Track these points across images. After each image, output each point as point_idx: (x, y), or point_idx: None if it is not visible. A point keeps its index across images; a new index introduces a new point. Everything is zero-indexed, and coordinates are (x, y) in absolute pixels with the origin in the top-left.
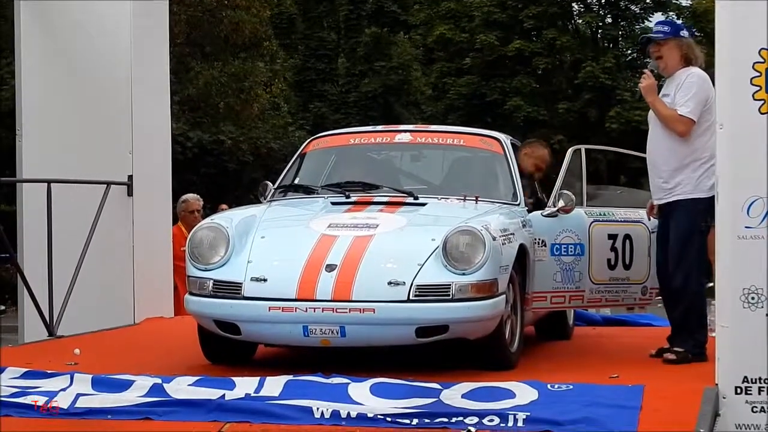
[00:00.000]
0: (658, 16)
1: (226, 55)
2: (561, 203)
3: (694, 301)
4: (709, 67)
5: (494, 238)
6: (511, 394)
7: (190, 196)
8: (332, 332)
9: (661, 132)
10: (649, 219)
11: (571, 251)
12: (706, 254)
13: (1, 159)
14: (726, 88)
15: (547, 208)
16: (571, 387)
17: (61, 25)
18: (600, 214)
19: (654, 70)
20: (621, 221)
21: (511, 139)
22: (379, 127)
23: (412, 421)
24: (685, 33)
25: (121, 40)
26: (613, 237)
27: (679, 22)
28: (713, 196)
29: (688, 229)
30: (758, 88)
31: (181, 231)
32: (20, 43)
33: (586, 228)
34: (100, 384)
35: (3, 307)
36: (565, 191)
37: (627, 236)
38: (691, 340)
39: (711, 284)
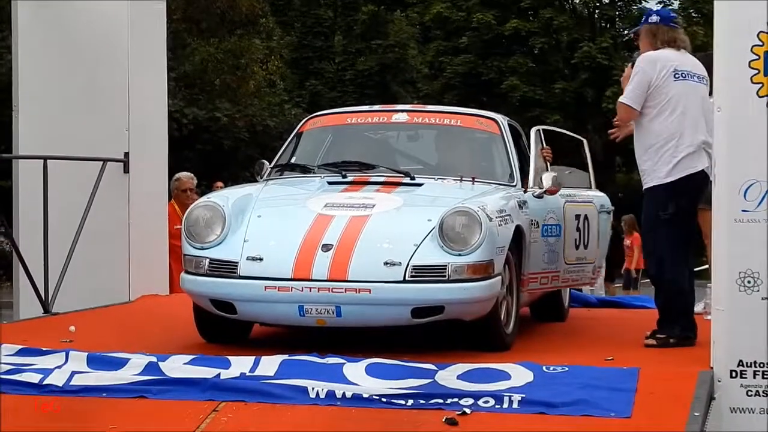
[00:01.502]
0: None
1: (223, 32)
2: (548, 184)
3: (671, 288)
4: (707, 49)
5: (490, 219)
6: (506, 376)
7: (183, 174)
8: (328, 312)
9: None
10: None
11: (553, 232)
12: (680, 239)
13: None
14: (724, 71)
15: (530, 190)
16: (567, 369)
17: (57, 1)
18: (568, 195)
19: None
20: (582, 201)
21: (508, 120)
22: (376, 107)
23: (407, 401)
24: (653, 18)
25: (118, 15)
26: (578, 217)
27: (661, 9)
28: (672, 182)
29: (650, 218)
30: (756, 71)
31: (174, 209)
32: (16, 18)
33: (562, 208)
34: (95, 362)
35: None
36: (550, 172)
37: (585, 216)
38: (676, 326)
39: (705, 266)
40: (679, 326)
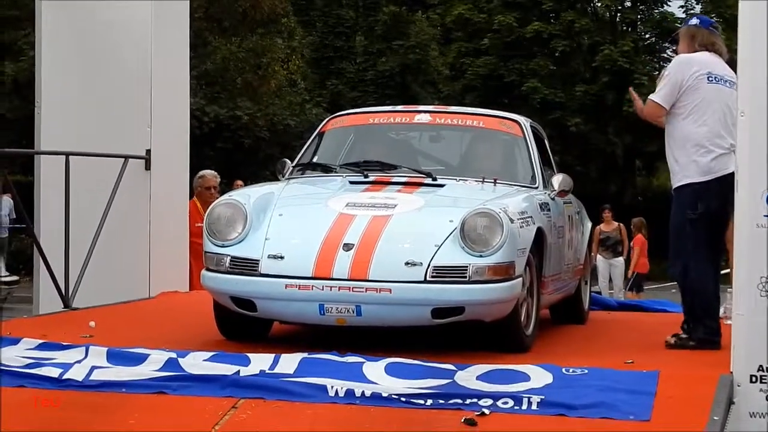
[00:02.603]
0: (678, 1)
1: (244, 31)
2: (562, 186)
3: (694, 289)
4: (729, 53)
5: (512, 221)
6: (525, 377)
7: (207, 172)
8: (348, 311)
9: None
10: None
11: (561, 234)
12: (706, 240)
13: (19, 130)
14: (747, 75)
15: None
16: (586, 371)
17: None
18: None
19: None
20: (567, 202)
21: (530, 122)
22: (399, 107)
23: (426, 401)
24: (694, 21)
25: (141, 13)
26: (570, 218)
27: (677, 12)
28: (703, 182)
29: (677, 219)
30: None
31: (196, 207)
32: (40, 14)
33: (564, 210)
34: (115, 357)
35: (17, 278)
36: (563, 174)
37: (570, 217)
38: (700, 327)
39: (727, 270)
40: (702, 328)
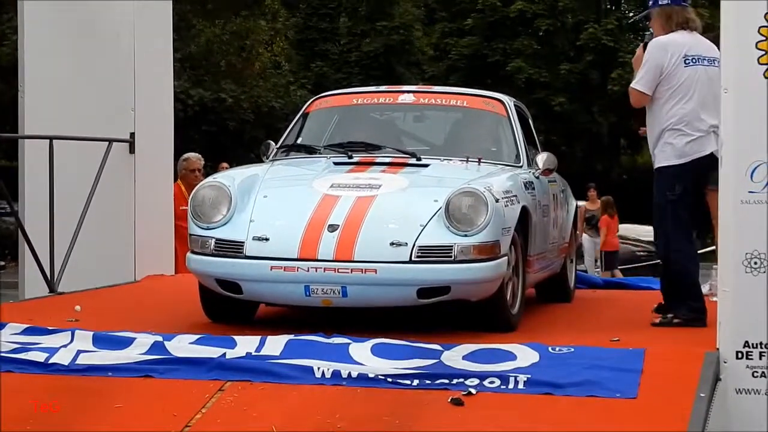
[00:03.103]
0: None
1: (228, 13)
2: (547, 164)
3: (676, 268)
4: (713, 31)
5: (497, 200)
6: (512, 356)
7: (191, 154)
8: (334, 292)
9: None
10: None
11: (546, 213)
12: (686, 221)
13: (3, 114)
14: (731, 52)
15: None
16: (573, 350)
17: None
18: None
19: (650, 41)
20: (551, 180)
21: (514, 102)
22: (382, 88)
23: (413, 381)
24: (663, 0)
25: None
26: (555, 197)
27: None
28: (680, 164)
29: (658, 200)
30: (763, 52)
31: (180, 190)
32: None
33: (549, 189)
34: (101, 341)
35: (2, 263)
36: (548, 153)
37: (555, 196)
38: (683, 306)
39: (713, 248)
40: (686, 307)
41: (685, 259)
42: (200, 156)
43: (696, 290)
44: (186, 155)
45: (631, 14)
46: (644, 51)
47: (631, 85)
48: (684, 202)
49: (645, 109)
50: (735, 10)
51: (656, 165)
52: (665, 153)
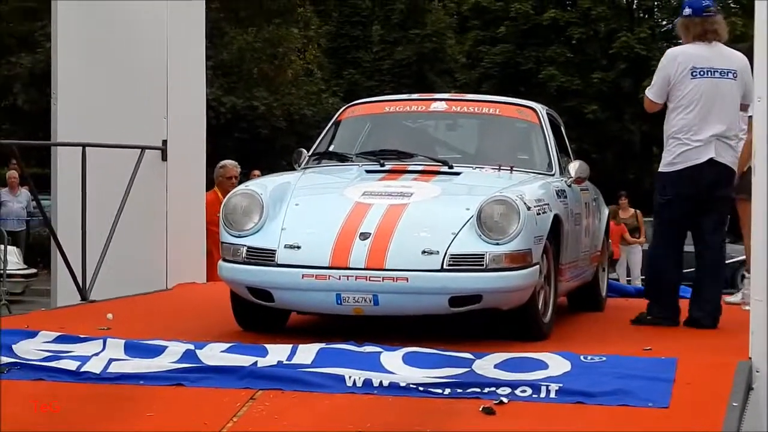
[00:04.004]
0: None
1: (261, 21)
2: (580, 173)
3: (654, 268)
4: (745, 40)
5: (529, 208)
6: (543, 365)
7: (228, 162)
8: (365, 300)
9: None
10: None
11: (578, 221)
12: (669, 225)
13: (36, 122)
14: (764, 61)
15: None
16: (604, 359)
17: None
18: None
19: None
20: (584, 189)
21: (547, 110)
22: (415, 96)
23: (444, 390)
24: (687, 11)
25: (158, 4)
26: (587, 205)
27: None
28: (673, 171)
29: (654, 201)
30: None
31: (217, 197)
32: (56, 6)
33: (581, 197)
34: (132, 349)
35: (35, 271)
36: (580, 161)
37: (587, 204)
38: (656, 305)
39: (743, 257)
40: (658, 306)
41: (663, 260)
42: (237, 163)
43: (670, 291)
44: (223, 162)
45: (664, 22)
46: None
47: (645, 92)
48: (672, 207)
49: None
50: None
51: (659, 170)
52: (664, 159)
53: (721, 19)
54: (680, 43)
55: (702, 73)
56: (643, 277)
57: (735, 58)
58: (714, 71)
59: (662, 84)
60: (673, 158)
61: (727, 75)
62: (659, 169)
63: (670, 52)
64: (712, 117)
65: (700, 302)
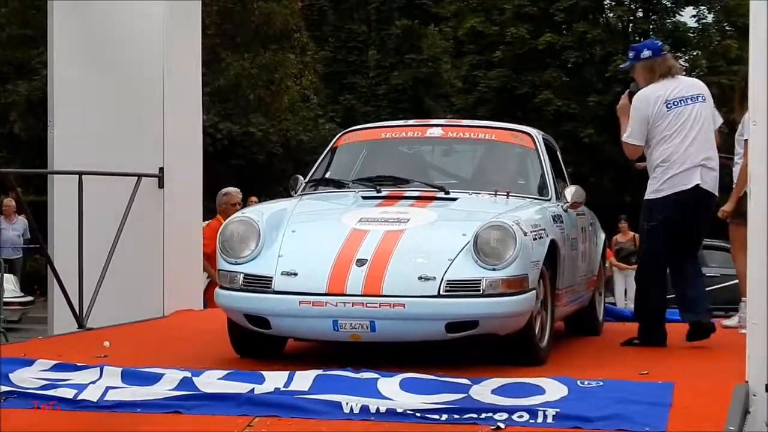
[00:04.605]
0: (690, 11)
1: (257, 47)
2: (576, 198)
3: (639, 289)
4: (741, 63)
5: (525, 234)
6: (540, 390)
7: (231, 189)
8: (362, 327)
9: None
10: None
11: (574, 246)
12: (655, 250)
13: (32, 149)
14: (760, 84)
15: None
16: (601, 383)
17: (93, 16)
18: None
19: (633, 91)
20: (580, 213)
21: (543, 135)
22: (411, 122)
23: (441, 416)
24: (646, 53)
25: (153, 31)
26: (584, 230)
27: (649, 41)
28: (659, 198)
29: (641, 227)
30: None
31: (220, 224)
32: (53, 33)
33: (577, 222)
34: (129, 377)
35: (32, 298)
36: (576, 186)
37: (583, 229)
38: (643, 326)
39: (736, 281)
40: (646, 329)
41: (650, 284)
42: (239, 190)
43: (658, 314)
44: (226, 189)
45: (621, 67)
46: (630, 99)
47: (623, 139)
48: (659, 232)
49: None
50: (763, 42)
51: (645, 197)
52: (650, 187)
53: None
54: (635, 84)
55: (676, 103)
56: None
57: (697, 84)
58: (686, 99)
59: (640, 126)
60: (659, 185)
61: (698, 99)
62: (646, 197)
63: (641, 94)
64: (694, 142)
65: (692, 306)
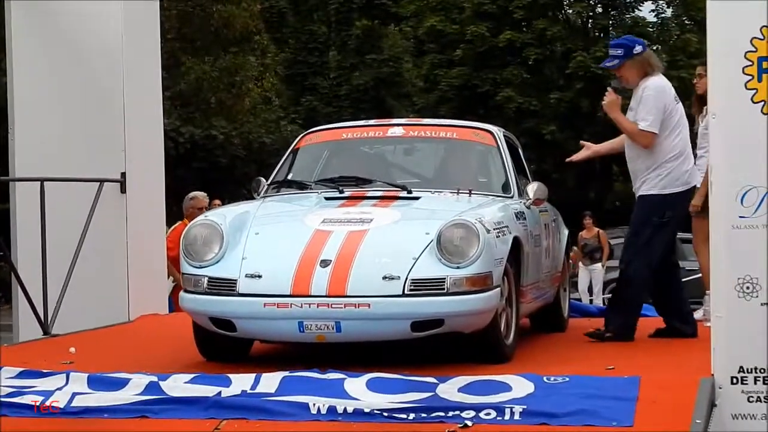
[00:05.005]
0: (649, 5)
1: (217, 50)
2: (539, 194)
3: (630, 286)
4: (700, 56)
5: (488, 231)
6: (507, 387)
7: (198, 193)
8: (327, 328)
9: (629, 140)
10: None
11: (538, 243)
12: (657, 246)
13: None
14: (718, 77)
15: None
16: (568, 379)
17: (51, 23)
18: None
19: (616, 87)
20: (542, 210)
21: (504, 132)
22: (372, 121)
23: (408, 415)
24: (638, 48)
25: (112, 36)
26: (547, 226)
27: (629, 37)
28: (674, 193)
29: (639, 221)
30: (750, 77)
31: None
32: (11, 41)
33: (540, 219)
34: (96, 383)
35: None
36: (538, 182)
37: (546, 225)
38: (620, 321)
39: (699, 275)
40: (622, 322)
41: (640, 280)
42: (206, 194)
43: (636, 310)
44: (193, 194)
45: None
46: (615, 96)
47: (644, 128)
48: (665, 229)
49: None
50: (721, 35)
51: (648, 191)
52: (662, 181)
53: None
54: (617, 81)
55: (677, 98)
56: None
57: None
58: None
59: (659, 114)
60: (674, 179)
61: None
62: (654, 191)
63: (658, 83)
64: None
65: (684, 315)
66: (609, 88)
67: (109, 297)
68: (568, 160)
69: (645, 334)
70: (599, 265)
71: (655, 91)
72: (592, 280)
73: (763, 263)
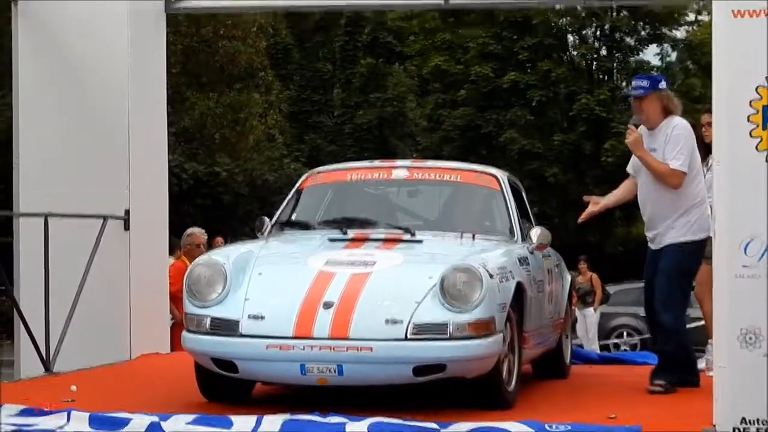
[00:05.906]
0: (653, 49)
1: (222, 86)
2: (542, 240)
3: (679, 338)
4: (704, 102)
5: (491, 276)
6: None
7: (195, 229)
8: (329, 371)
9: (653, 183)
10: None
11: (541, 288)
12: (688, 294)
13: None
14: (723, 125)
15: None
16: (569, 427)
17: (58, 59)
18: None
19: (637, 124)
20: (546, 255)
21: (508, 176)
22: (376, 163)
23: None
24: (663, 85)
25: (118, 72)
26: (550, 272)
27: (656, 74)
28: (703, 239)
29: (676, 269)
30: (755, 125)
31: (185, 265)
32: (17, 75)
33: (543, 264)
34: (97, 422)
35: None
36: (541, 227)
37: (549, 270)
38: (677, 371)
39: (702, 322)
40: (679, 372)
41: (685, 331)
42: (203, 231)
43: (690, 354)
44: (190, 230)
45: (623, 84)
46: (638, 133)
47: (677, 167)
48: (692, 276)
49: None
50: (727, 83)
51: (679, 239)
52: (693, 227)
53: None
54: (637, 117)
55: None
56: (613, 341)
57: None
58: None
59: (688, 155)
60: (706, 225)
61: None
62: (689, 238)
63: (685, 123)
64: None
65: (689, 366)
66: (630, 125)
67: (111, 334)
68: (580, 221)
69: (647, 382)
70: (591, 309)
71: (686, 131)
72: (586, 325)
73: (765, 313)
